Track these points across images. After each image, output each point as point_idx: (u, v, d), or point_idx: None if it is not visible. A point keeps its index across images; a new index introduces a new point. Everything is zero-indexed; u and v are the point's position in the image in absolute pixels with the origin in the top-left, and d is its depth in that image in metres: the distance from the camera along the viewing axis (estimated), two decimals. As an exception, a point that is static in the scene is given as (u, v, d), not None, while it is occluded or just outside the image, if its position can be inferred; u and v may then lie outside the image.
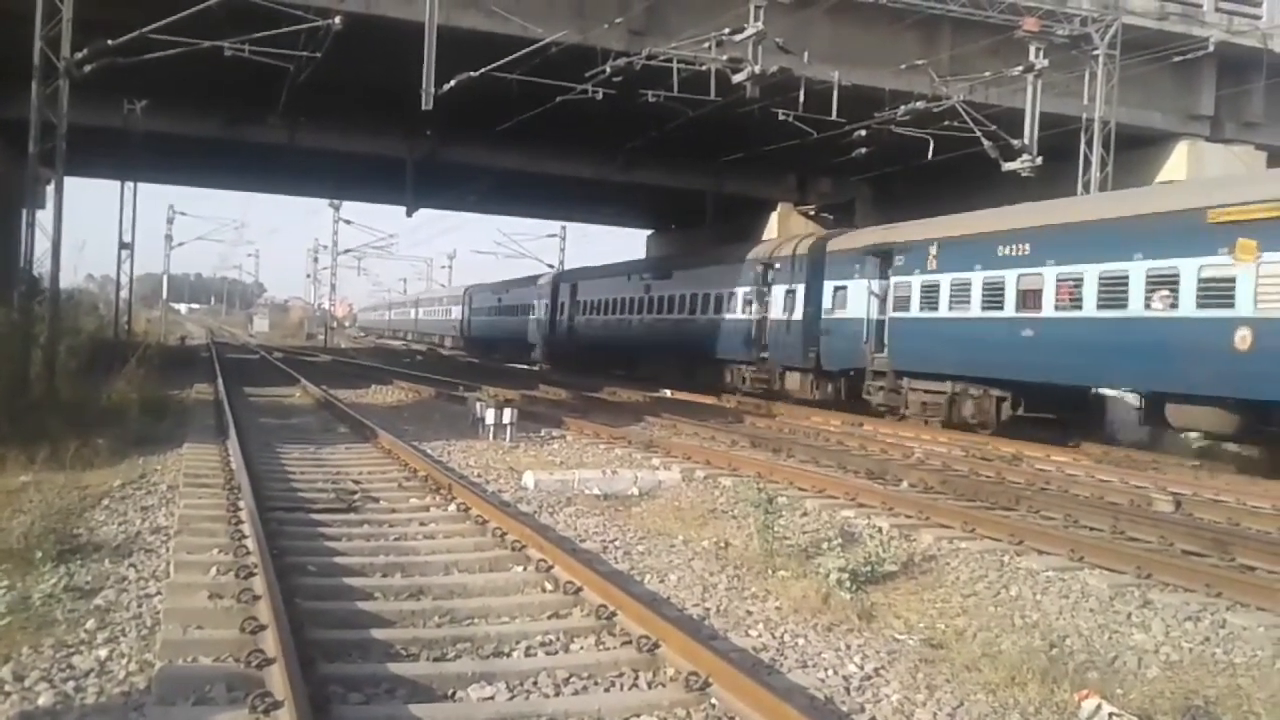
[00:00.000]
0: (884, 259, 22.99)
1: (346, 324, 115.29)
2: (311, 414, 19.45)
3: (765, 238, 34.43)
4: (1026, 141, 22.47)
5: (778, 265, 27.26)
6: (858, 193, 33.93)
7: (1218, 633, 7.08)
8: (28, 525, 7.88)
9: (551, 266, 61.36)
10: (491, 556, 7.97)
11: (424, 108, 19.37)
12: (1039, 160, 22.38)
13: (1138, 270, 16.91)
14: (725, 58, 19.63)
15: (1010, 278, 19.47)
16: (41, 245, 17.50)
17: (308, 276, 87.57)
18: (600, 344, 39.75)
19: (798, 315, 25.95)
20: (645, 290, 35.38)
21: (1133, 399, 18.76)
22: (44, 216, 18.59)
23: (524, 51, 19.67)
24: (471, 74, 19.76)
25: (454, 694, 5.23)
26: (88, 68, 17.01)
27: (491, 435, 15.68)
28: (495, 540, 8.42)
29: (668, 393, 28.37)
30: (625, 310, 37.29)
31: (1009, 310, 19.46)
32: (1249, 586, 7.97)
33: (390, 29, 19.81)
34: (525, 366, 44.12)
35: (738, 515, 10.31)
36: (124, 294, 37.92)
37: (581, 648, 6.00)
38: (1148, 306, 16.75)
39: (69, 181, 17.72)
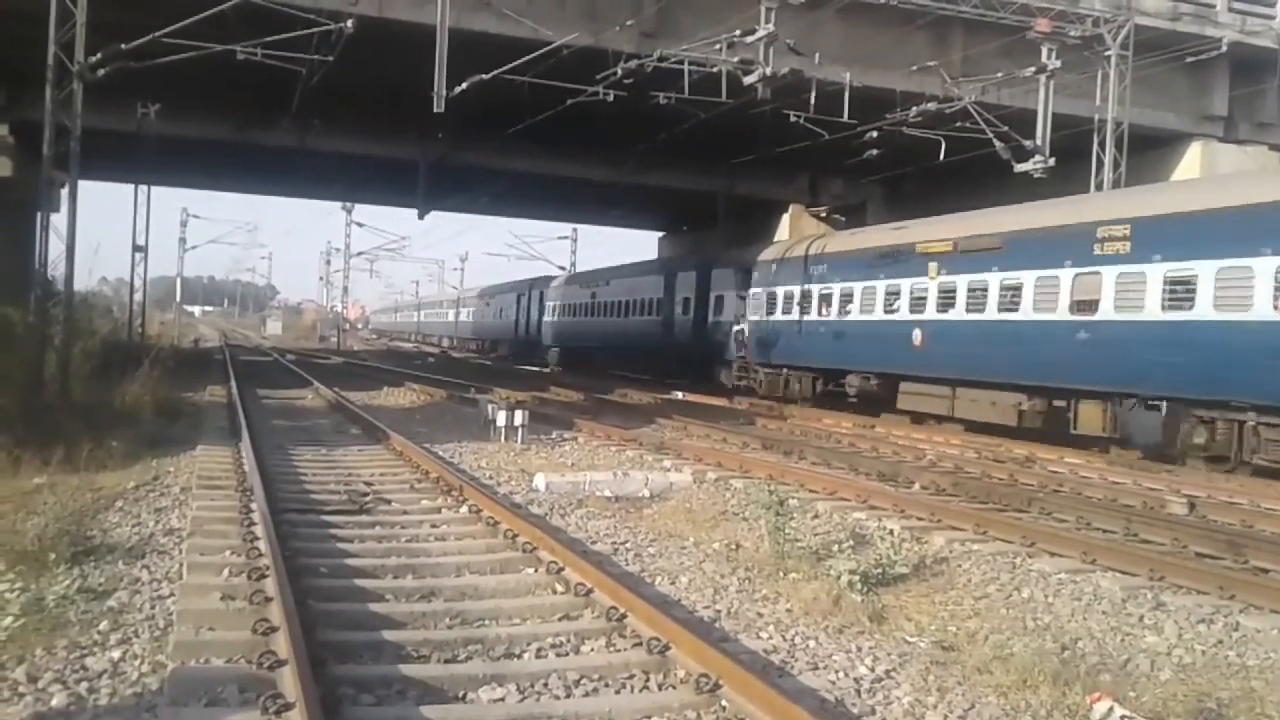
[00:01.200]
0: None
1: (359, 326, 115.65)
2: (324, 416, 19.51)
3: (777, 239, 34.31)
4: (1039, 142, 22.40)
5: None
6: (869, 194, 33.89)
7: (1231, 635, 7.05)
8: (42, 527, 7.92)
9: (564, 268, 61.23)
10: (503, 558, 7.98)
11: (436, 110, 19.41)
12: (1051, 161, 22.32)
13: None
14: (736, 59, 19.64)
15: None
16: (56, 248, 17.60)
17: (320, 279, 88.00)
18: (847, 358, 24.49)
19: None
20: (1014, 266, 19.33)
21: None
22: (58, 220, 18.68)
23: (535, 54, 19.71)
24: (483, 76, 19.80)
25: (465, 695, 5.24)
26: (101, 71, 17.12)
27: (503, 437, 15.70)
28: (506, 542, 8.44)
29: (679, 394, 28.33)
30: (970, 304, 20.47)
31: None
32: (1262, 589, 7.94)
33: (402, 32, 19.88)
34: (537, 368, 43.83)
35: (749, 517, 10.30)
36: (138, 297, 38.04)
37: (592, 649, 6.00)
38: None
39: (83, 185, 17.84)
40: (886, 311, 22.79)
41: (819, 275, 25.77)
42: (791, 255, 27.42)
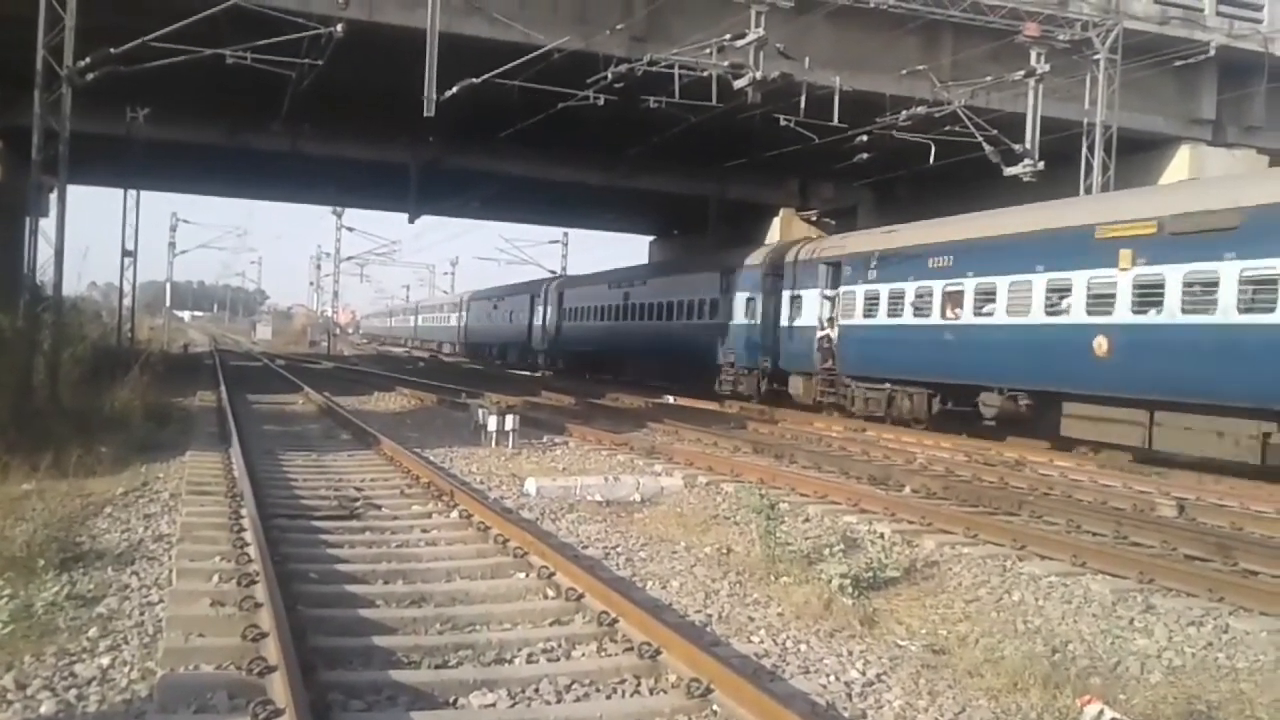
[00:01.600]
0: None
1: (350, 331, 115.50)
2: (314, 421, 19.48)
3: (767, 242, 34.29)
4: (1028, 146, 22.50)
5: None
6: (860, 198, 33.97)
7: (1220, 638, 7.07)
8: (30, 533, 7.89)
9: (554, 273, 61.03)
10: (493, 563, 7.97)
11: (426, 114, 19.40)
12: (1040, 165, 22.40)
13: None
14: (727, 64, 19.64)
15: None
16: (45, 253, 17.57)
17: (310, 284, 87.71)
18: (982, 371, 20.03)
19: None
20: (1262, 252, 15.02)
21: None
22: (47, 224, 18.61)
23: (526, 58, 19.70)
24: (474, 81, 19.77)
25: (456, 701, 5.23)
26: (90, 75, 17.07)
27: (494, 442, 15.68)
28: (497, 547, 8.43)
29: (670, 399, 28.33)
30: None
31: None
32: (1252, 591, 7.96)
33: (392, 36, 19.85)
34: (528, 372, 43.79)
35: (740, 521, 10.31)
36: (127, 301, 37.90)
37: (583, 654, 5.99)
38: None
39: (72, 189, 17.83)
40: (1049, 312, 18.34)
41: (942, 269, 20.81)
42: (900, 246, 22.48)
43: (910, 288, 21.78)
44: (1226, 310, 15.26)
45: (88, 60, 16.93)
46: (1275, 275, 14.64)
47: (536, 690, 5.36)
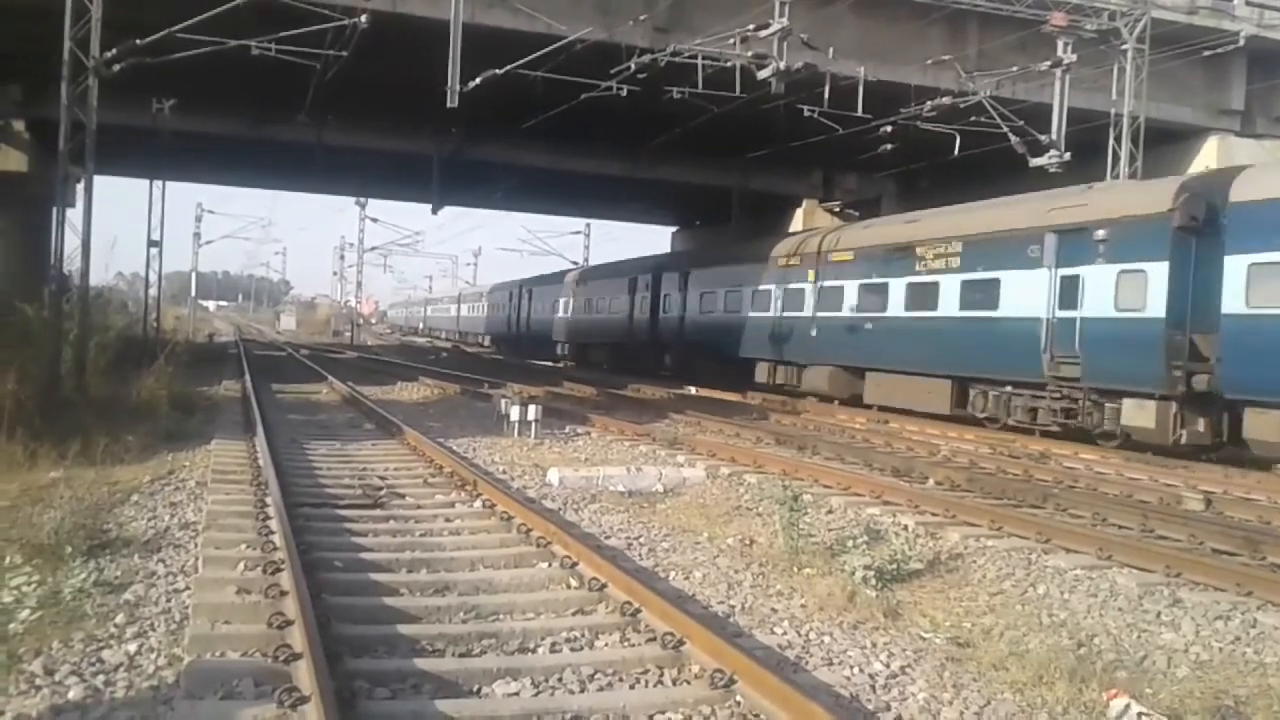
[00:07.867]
0: None
1: (373, 321, 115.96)
2: (338, 411, 19.57)
3: (791, 231, 34.03)
4: (1054, 137, 22.26)
5: None
6: (883, 189, 33.76)
7: (1248, 632, 7.00)
8: (58, 521, 7.95)
9: (576, 264, 60.81)
10: (516, 553, 7.98)
11: (449, 105, 19.42)
12: (1067, 156, 22.19)
13: None
14: (750, 54, 19.54)
15: None
16: (71, 243, 17.64)
17: (334, 274, 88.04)
18: None
19: None
20: None
21: None
22: (74, 215, 18.68)
23: (549, 49, 19.69)
24: (496, 71, 19.79)
25: (479, 690, 5.25)
26: (116, 67, 17.19)
27: (516, 432, 15.72)
28: (520, 537, 8.45)
29: (692, 390, 28.30)
30: None
31: None
32: (1280, 586, 7.89)
33: (416, 27, 19.89)
34: (550, 363, 43.88)
35: (763, 512, 10.30)
36: (153, 291, 38.16)
37: (606, 644, 6.00)
38: None
39: (99, 180, 17.89)
40: None
41: None
42: None
43: None
44: None
45: (114, 51, 17.04)
46: None
47: (560, 680, 5.37)
